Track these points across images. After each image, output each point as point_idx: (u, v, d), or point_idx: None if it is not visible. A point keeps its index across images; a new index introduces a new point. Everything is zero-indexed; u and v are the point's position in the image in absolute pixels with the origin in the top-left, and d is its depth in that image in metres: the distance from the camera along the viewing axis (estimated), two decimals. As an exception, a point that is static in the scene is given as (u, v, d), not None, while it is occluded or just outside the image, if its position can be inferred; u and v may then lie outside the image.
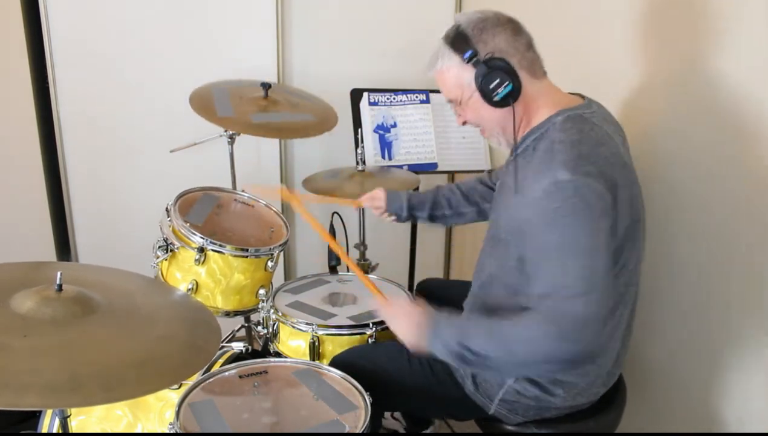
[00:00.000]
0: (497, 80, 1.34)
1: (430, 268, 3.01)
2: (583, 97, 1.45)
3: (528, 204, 1.30)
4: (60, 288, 1.19)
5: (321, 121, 2.30)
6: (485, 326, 1.33)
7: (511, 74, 1.34)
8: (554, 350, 1.22)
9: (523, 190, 1.34)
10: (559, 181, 1.24)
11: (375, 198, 1.89)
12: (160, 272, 1.95)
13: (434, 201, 1.86)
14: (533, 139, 1.39)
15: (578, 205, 1.23)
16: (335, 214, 2.20)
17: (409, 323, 1.41)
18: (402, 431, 2.17)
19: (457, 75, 1.39)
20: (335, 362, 1.57)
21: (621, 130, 1.47)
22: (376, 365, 1.56)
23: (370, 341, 1.71)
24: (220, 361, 1.61)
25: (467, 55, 1.35)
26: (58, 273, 1.19)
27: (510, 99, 1.36)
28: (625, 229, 1.33)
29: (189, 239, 1.85)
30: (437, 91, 2.62)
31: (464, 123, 1.48)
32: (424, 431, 2.16)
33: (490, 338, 1.29)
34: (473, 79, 1.36)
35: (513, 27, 1.37)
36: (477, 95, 1.37)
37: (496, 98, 1.36)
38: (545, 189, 1.26)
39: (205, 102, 2.21)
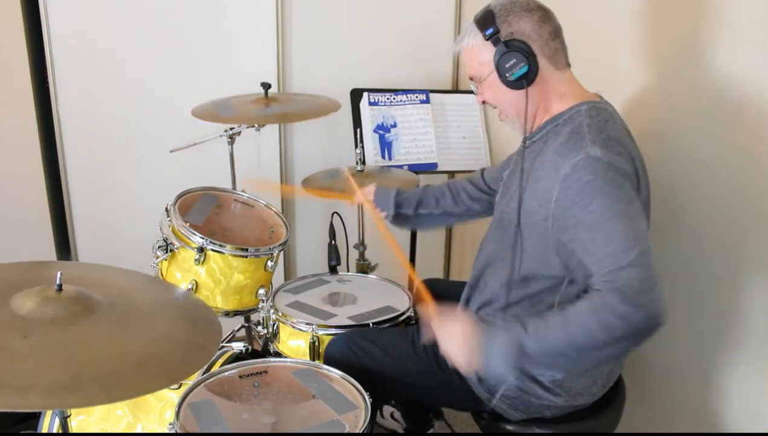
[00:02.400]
0: (513, 60, 1.37)
1: (430, 268, 3.01)
2: (599, 97, 1.47)
3: (553, 184, 1.31)
4: (60, 288, 1.19)
5: (323, 107, 2.30)
6: (542, 324, 1.24)
7: (528, 57, 1.37)
8: (619, 321, 1.16)
9: (542, 174, 1.36)
10: (591, 157, 1.27)
11: (368, 192, 1.87)
12: (159, 272, 1.95)
13: (420, 199, 1.82)
14: (554, 126, 1.40)
15: (612, 177, 1.26)
16: (335, 215, 2.20)
17: (460, 340, 1.31)
18: (401, 431, 2.17)
19: (479, 52, 1.42)
20: (335, 342, 1.57)
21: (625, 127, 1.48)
22: (379, 347, 1.56)
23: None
24: (220, 361, 1.61)
25: (489, 32, 1.39)
26: (58, 273, 1.19)
27: (524, 81, 1.38)
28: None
29: (189, 238, 1.85)
30: (437, 91, 2.63)
31: (483, 102, 1.50)
32: (424, 433, 2.16)
33: (550, 336, 1.22)
34: (492, 57, 1.39)
35: (541, 14, 1.40)
36: (494, 75, 1.41)
37: (511, 78, 1.38)
38: (576, 163, 1.27)
39: (208, 112, 2.22)
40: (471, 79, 1.49)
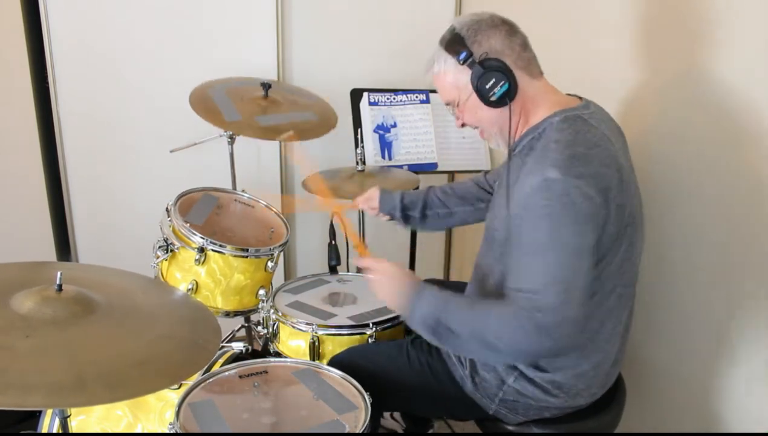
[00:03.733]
0: (493, 80, 1.36)
1: (430, 268, 3.01)
2: (580, 98, 1.45)
3: (518, 201, 1.31)
4: (60, 288, 1.19)
5: (323, 119, 2.31)
6: (466, 307, 1.35)
7: (507, 74, 1.36)
8: (526, 344, 1.25)
9: (515, 189, 1.35)
10: (549, 179, 1.25)
11: (370, 198, 1.88)
12: (160, 272, 1.95)
13: (426, 200, 1.84)
14: (530, 139, 1.39)
15: (566, 204, 1.24)
16: (335, 215, 2.20)
17: (393, 288, 1.42)
18: (401, 431, 2.17)
19: (454, 77, 1.40)
20: (334, 362, 1.57)
21: (620, 131, 1.48)
22: (375, 364, 1.56)
23: (370, 341, 1.71)
24: (220, 361, 1.61)
25: (462, 56, 1.37)
26: (58, 273, 1.19)
27: (507, 98, 1.37)
28: (617, 232, 1.33)
29: (189, 239, 1.86)
30: (437, 91, 2.63)
31: (463, 125, 1.49)
32: (424, 432, 2.16)
33: (467, 320, 1.31)
34: (469, 80, 1.37)
35: (508, 28, 1.38)
36: (474, 96, 1.39)
37: (493, 98, 1.37)
38: (534, 186, 1.27)
39: (207, 106, 2.21)
40: (447, 104, 1.47)
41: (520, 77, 1.38)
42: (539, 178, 1.26)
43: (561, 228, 1.24)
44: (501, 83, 1.35)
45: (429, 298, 1.36)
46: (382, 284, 1.45)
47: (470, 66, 1.37)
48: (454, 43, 1.38)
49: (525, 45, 1.40)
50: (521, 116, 1.42)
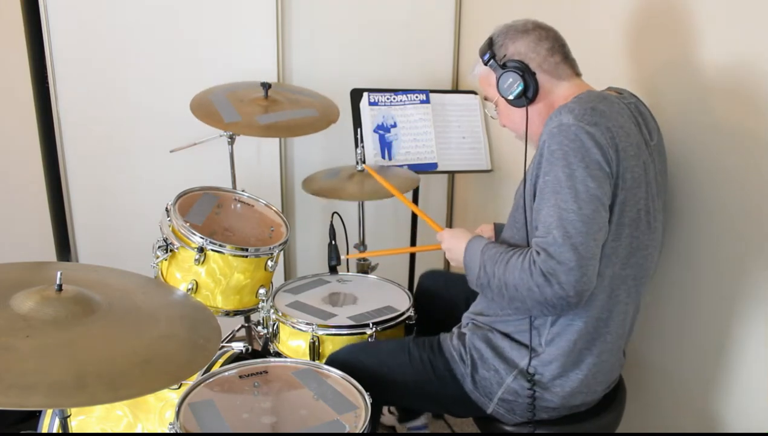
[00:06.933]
0: (510, 79, 1.43)
1: (430, 263, 3.00)
2: (620, 92, 1.47)
3: (536, 157, 1.34)
4: (60, 288, 1.19)
5: (324, 115, 2.31)
6: (501, 257, 1.35)
7: (524, 74, 1.42)
8: (538, 292, 1.26)
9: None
10: (563, 124, 1.29)
11: (483, 232, 1.81)
12: (160, 272, 1.95)
13: None
14: None
15: (577, 149, 1.26)
16: (335, 214, 2.20)
17: (457, 242, 1.50)
18: (395, 421, 2.16)
19: (486, 77, 1.50)
20: (334, 357, 1.58)
21: (650, 126, 1.47)
22: (376, 359, 1.57)
23: (369, 341, 1.71)
24: (220, 361, 1.61)
25: (486, 57, 1.47)
26: (58, 273, 1.19)
27: (524, 98, 1.43)
28: (624, 201, 1.32)
29: (189, 238, 1.86)
30: (437, 91, 2.64)
31: (504, 126, 1.56)
32: (414, 422, 2.15)
33: (495, 275, 1.35)
34: (495, 80, 1.46)
35: (538, 34, 1.44)
36: (500, 96, 1.47)
37: (511, 97, 1.45)
38: (549, 131, 1.30)
39: (208, 110, 2.21)
40: (487, 100, 1.55)
41: (545, 80, 1.44)
42: (555, 124, 1.30)
43: (572, 172, 1.26)
44: (517, 83, 1.42)
45: (471, 259, 1.43)
46: (450, 242, 1.53)
47: (492, 67, 1.46)
48: (484, 47, 1.49)
49: (555, 50, 1.44)
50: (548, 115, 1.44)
